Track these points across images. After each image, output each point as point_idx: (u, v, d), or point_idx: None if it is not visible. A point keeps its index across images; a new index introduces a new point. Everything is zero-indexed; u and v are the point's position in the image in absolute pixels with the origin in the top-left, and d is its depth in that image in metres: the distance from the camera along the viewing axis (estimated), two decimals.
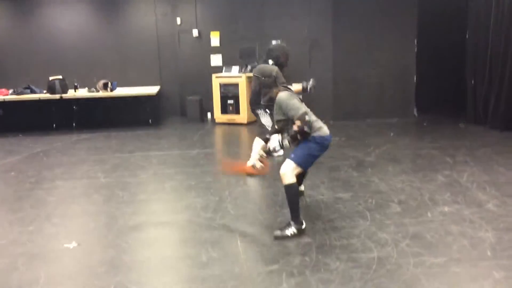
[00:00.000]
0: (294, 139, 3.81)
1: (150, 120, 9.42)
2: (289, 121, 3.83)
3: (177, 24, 10.27)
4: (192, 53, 10.24)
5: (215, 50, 10.07)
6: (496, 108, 7.78)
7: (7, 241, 3.91)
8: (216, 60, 10.08)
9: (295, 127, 3.72)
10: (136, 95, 9.29)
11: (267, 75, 4.55)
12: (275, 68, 5.02)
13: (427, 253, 3.42)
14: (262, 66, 5.31)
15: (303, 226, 3.84)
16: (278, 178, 5.40)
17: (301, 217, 3.87)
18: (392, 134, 7.86)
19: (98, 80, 9.25)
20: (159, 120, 9.88)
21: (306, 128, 3.68)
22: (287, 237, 3.75)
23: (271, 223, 4.11)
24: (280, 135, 3.99)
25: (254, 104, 5.75)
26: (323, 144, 3.83)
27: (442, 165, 5.77)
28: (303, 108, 3.80)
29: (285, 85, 4.22)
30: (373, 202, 4.56)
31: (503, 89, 7.62)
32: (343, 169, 5.80)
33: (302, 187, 4.63)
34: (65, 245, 3.75)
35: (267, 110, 5.87)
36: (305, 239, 3.74)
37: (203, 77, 9.89)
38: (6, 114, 9.32)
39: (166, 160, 6.57)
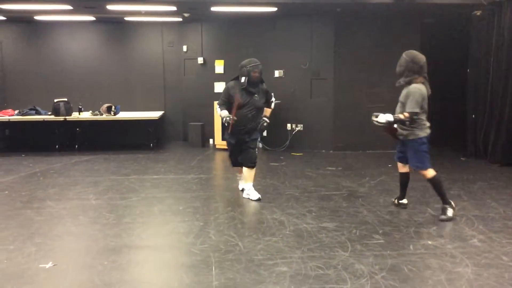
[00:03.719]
0: (396, 122, 4.88)
1: (151, 144, 9.51)
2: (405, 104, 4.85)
3: (183, 52, 10.48)
4: (197, 80, 10.39)
5: (219, 78, 10.20)
6: (495, 142, 7.71)
7: None
8: (219, 87, 10.18)
9: (401, 116, 4.80)
10: (139, 119, 9.43)
11: (416, 61, 4.84)
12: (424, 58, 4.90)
13: (401, 287, 3.36)
14: (414, 52, 5.00)
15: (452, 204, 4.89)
16: (266, 206, 5.44)
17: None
18: (390, 165, 7.79)
19: (102, 104, 9.43)
20: (161, 145, 9.98)
21: (406, 122, 4.81)
22: (451, 218, 4.79)
23: (250, 251, 4.08)
24: None
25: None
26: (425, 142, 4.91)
27: (434, 198, 5.65)
28: (418, 109, 4.75)
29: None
30: (357, 233, 4.51)
31: (502, 124, 7.56)
32: (334, 199, 5.77)
33: (405, 200, 5.35)
34: (41, 265, 3.76)
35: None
36: (281, 268, 3.70)
37: (206, 103, 9.98)
38: (11, 134, 9.51)
39: (160, 184, 6.61)
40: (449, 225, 4.70)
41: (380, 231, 4.55)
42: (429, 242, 4.24)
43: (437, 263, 3.77)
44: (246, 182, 5.83)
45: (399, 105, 5.04)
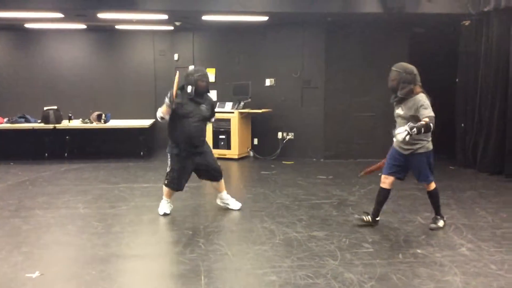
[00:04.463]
0: (418, 132, 4.40)
1: (141, 153, 9.47)
2: (415, 117, 4.56)
3: (174, 60, 10.49)
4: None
5: (210, 86, 10.12)
6: (484, 151, 7.77)
7: None
8: (211, 96, 10.18)
9: (422, 122, 4.40)
10: (129, 127, 9.40)
11: (408, 71, 4.69)
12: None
13: None
14: (404, 63, 4.90)
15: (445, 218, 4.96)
16: (256, 214, 5.43)
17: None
18: (380, 174, 7.80)
19: (93, 112, 9.40)
20: (152, 153, 9.93)
21: (431, 127, 4.48)
22: (440, 228, 4.82)
23: (239, 260, 4.07)
24: None
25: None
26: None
27: (424, 206, 5.71)
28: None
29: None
30: (347, 242, 4.51)
31: (491, 133, 7.63)
32: (324, 207, 5.77)
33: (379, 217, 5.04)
34: (27, 275, 3.72)
35: None
36: (270, 277, 3.68)
37: None
38: (0, 142, 9.43)
39: (150, 193, 6.57)
40: (438, 234, 4.72)
41: (370, 240, 4.55)
42: (418, 251, 4.25)
43: (426, 272, 3.77)
44: (221, 192, 5.64)
45: (401, 123, 4.68)
